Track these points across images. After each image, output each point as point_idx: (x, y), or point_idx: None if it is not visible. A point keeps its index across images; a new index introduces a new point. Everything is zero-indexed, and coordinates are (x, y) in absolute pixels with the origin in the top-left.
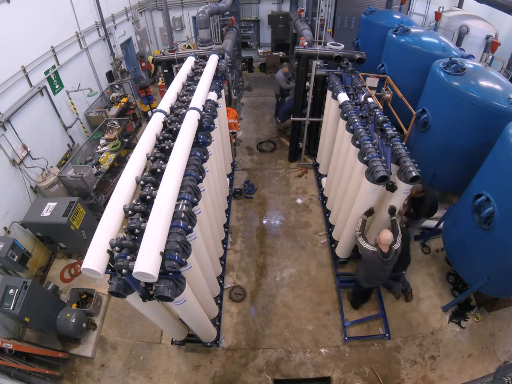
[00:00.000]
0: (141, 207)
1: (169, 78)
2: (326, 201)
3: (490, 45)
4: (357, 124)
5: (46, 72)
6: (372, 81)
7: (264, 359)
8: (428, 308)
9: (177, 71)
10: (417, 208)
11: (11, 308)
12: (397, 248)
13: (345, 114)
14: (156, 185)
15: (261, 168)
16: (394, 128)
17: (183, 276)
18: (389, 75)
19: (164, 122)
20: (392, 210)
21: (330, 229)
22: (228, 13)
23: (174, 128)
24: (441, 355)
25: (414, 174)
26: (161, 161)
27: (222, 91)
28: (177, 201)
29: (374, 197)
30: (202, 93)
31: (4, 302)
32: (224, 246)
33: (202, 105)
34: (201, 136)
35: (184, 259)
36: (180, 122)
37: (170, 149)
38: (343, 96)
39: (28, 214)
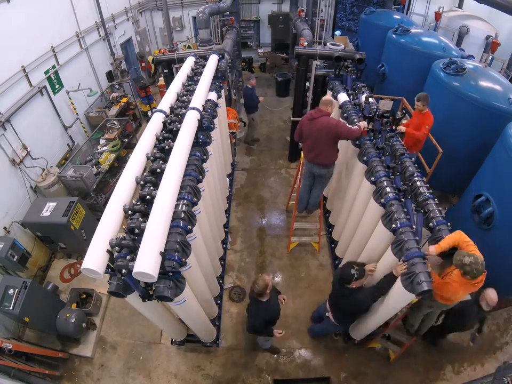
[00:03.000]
0: (140, 207)
1: (169, 78)
2: (326, 201)
3: (490, 45)
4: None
5: (46, 72)
6: (386, 104)
7: (264, 359)
8: None
9: (177, 71)
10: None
11: (11, 308)
12: None
13: (345, 115)
14: (156, 185)
15: (260, 169)
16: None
17: (183, 276)
18: (388, 75)
19: (164, 122)
20: None
21: (330, 229)
22: (227, 13)
23: (174, 128)
24: (441, 355)
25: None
26: (161, 161)
27: (222, 91)
28: (177, 201)
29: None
30: (202, 93)
31: (4, 302)
32: (224, 246)
33: (202, 105)
34: (201, 136)
35: (184, 259)
36: (180, 122)
37: (170, 149)
38: (343, 96)
39: (28, 214)
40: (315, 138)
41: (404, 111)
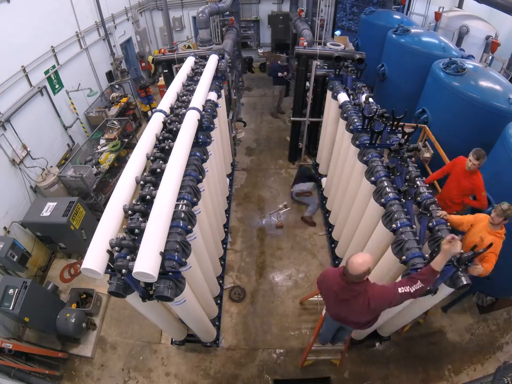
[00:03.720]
0: (140, 207)
1: (169, 78)
2: (326, 201)
3: (490, 45)
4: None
5: (46, 72)
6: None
7: (264, 359)
8: None
9: (177, 71)
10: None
11: (11, 308)
12: None
13: (345, 115)
14: (156, 185)
15: (260, 169)
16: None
17: (183, 276)
18: (388, 75)
19: (164, 122)
20: None
21: (330, 229)
22: (227, 13)
23: (174, 128)
24: (441, 355)
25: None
26: (161, 161)
27: (222, 91)
28: (177, 201)
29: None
30: (202, 93)
31: (4, 302)
32: (224, 246)
33: (202, 105)
34: (201, 136)
35: (184, 259)
36: (180, 122)
37: (170, 149)
38: (343, 96)
39: (28, 214)
40: (345, 315)
41: (425, 141)
